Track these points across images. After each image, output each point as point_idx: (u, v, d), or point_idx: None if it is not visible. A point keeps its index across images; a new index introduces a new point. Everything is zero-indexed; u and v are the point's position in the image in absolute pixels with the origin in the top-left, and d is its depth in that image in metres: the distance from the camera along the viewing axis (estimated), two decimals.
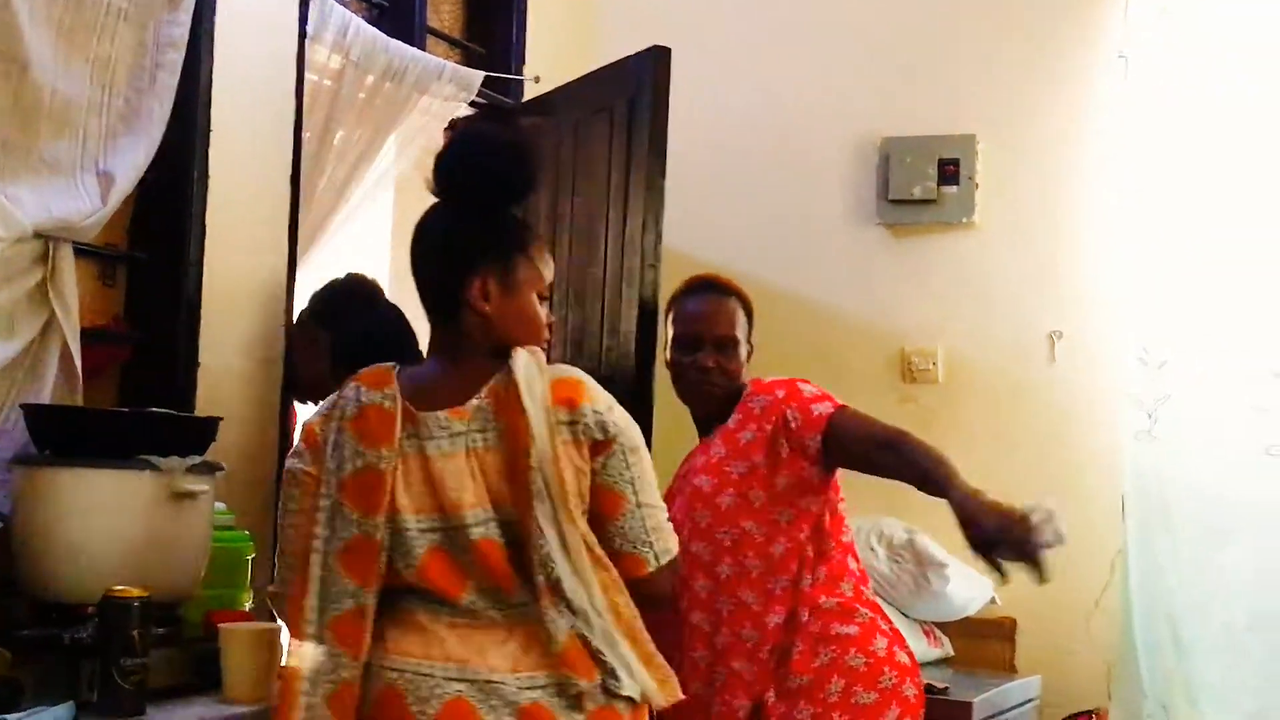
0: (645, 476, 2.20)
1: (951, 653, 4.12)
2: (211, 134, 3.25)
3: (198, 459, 2.65)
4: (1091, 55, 4.22)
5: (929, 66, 4.42)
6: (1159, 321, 3.98)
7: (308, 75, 3.56)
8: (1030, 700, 3.98)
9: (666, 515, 2.24)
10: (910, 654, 2.94)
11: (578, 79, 4.17)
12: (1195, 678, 3.79)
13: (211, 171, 3.25)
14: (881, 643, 2.89)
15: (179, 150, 3.19)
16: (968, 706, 3.55)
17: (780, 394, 2.99)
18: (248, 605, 2.96)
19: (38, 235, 2.83)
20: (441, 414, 2.16)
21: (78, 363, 2.92)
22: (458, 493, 2.11)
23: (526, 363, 2.17)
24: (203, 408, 3.19)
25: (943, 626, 4.14)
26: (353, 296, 3.19)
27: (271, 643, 2.56)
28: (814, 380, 4.42)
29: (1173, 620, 3.85)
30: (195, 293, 3.22)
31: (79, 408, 2.81)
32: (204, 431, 2.72)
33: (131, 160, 3.03)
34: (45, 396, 2.85)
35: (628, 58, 3.88)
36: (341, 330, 3.09)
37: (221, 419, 2.80)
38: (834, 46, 4.54)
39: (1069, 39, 4.26)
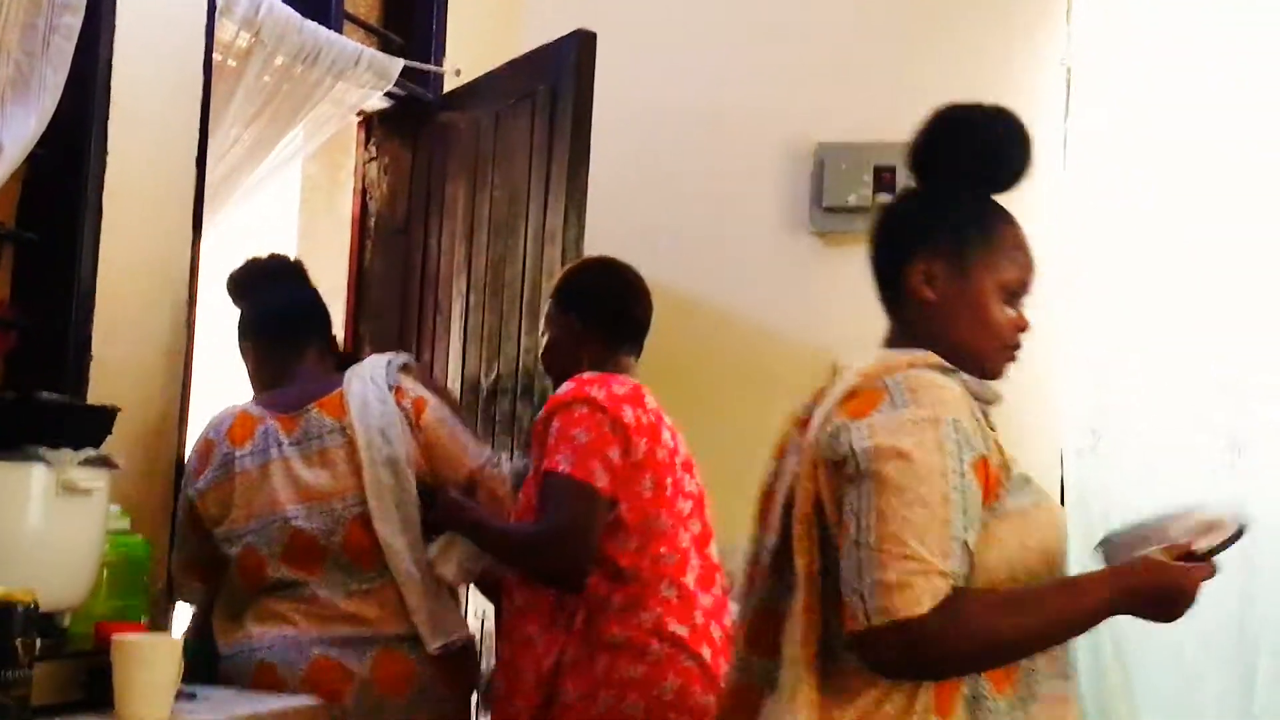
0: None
1: None
2: (111, 108, 2.99)
3: (92, 452, 2.40)
4: (1034, 63, 4.10)
5: (866, 71, 4.27)
6: (1102, 335, 3.86)
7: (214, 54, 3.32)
8: None
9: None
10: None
11: (500, 66, 3.98)
12: (1144, 700, 3.64)
13: (110, 148, 3.00)
14: (673, 683, 2.63)
15: (75, 123, 2.93)
16: None
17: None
18: (143, 618, 2.70)
19: None
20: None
21: None
22: None
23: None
24: (96, 400, 2.93)
25: None
26: (276, 274, 3.08)
27: (171, 657, 2.31)
28: (747, 391, 4.28)
29: (1116, 640, 3.71)
30: (89, 277, 2.96)
31: None
32: (99, 423, 2.47)
33: (21, 131, 2.76)
34: None
35: (551, 43, 3.71)
36: (256, 305, 3.00)
37: (119, 410, 2.54)
38: (769, 45, 4.37)
39: (1011, 47, 4.15)
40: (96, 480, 2.40)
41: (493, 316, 3.77)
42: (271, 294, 3.01)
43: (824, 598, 1.79)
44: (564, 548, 2.64)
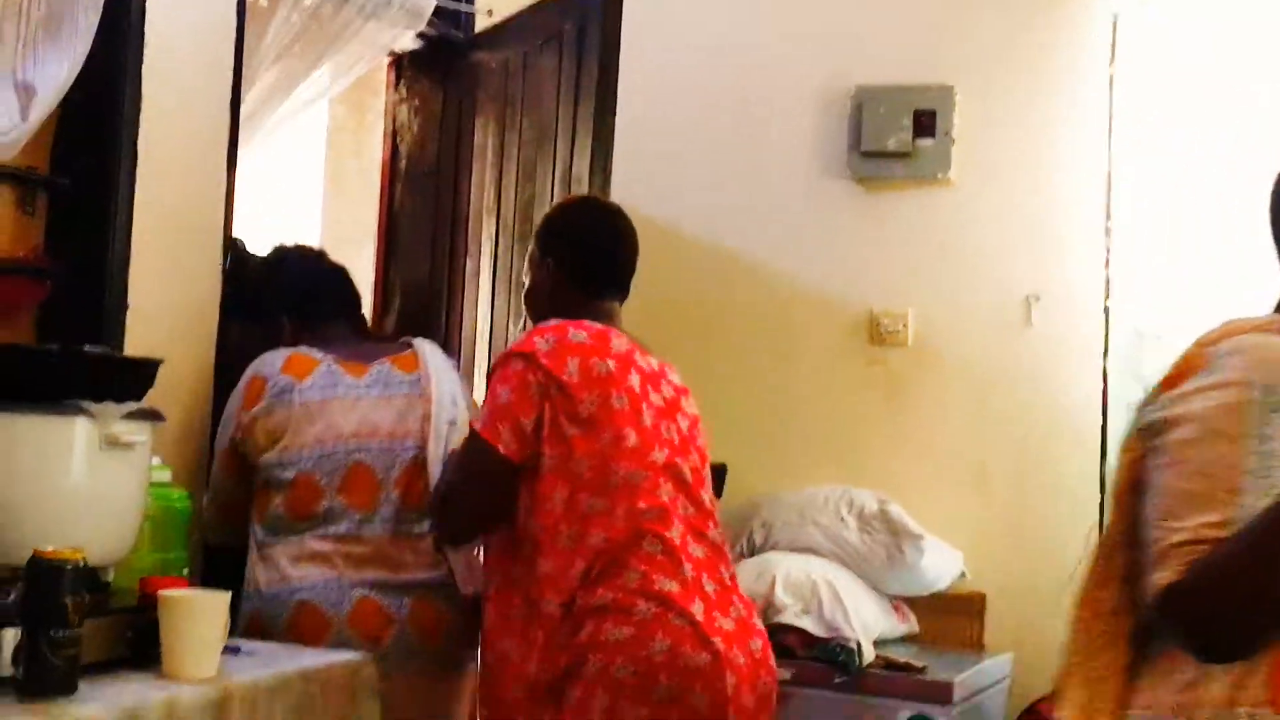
0: None
1: (917, 629, 3.91)
2: (145, 50, 2.92)
3: (135, 405, 2.36)
4: (1080, 7, 4.01)
5: (906, 12, 4.18)
6: (1153, 292, 3.78)
7: None
8: (1001, 680, 3.79)
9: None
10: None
11: (529, 5, 3.90)
12: None
13: (144, 91, 2.93)
14: (662, 642, 2.49)
15: (108, 66, 2.86)
16: (948, 687, 3.35)
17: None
18: (185, 570, 2.67)
19: None
20: None
21: None
22: None
23: None
24: (132, 351, 2.88)
25: (909, 602, 3.93)
26: (310, 254, 3.21)
27: (218, 612, 2.28)
28: (780, 341, 4.23)
29: None
30: (125, 224, 2.91)
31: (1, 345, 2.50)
32: (142, 375, 2.42)
33: (54, 75, 2.71)
34: None
35: None
36: (297, 282, 3.10)
37: (162, 361, 2.49)
38: None
39: None
40: (139, 433, 2.36)
41: (520, 262, 3.72)
42: (312, 272, 3.11)
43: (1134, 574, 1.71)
44: (445, 505, 2.66)
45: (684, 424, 2.73)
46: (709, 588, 2.57)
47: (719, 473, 3.80)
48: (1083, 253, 3.96)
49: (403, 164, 4.15)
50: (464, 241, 3.96)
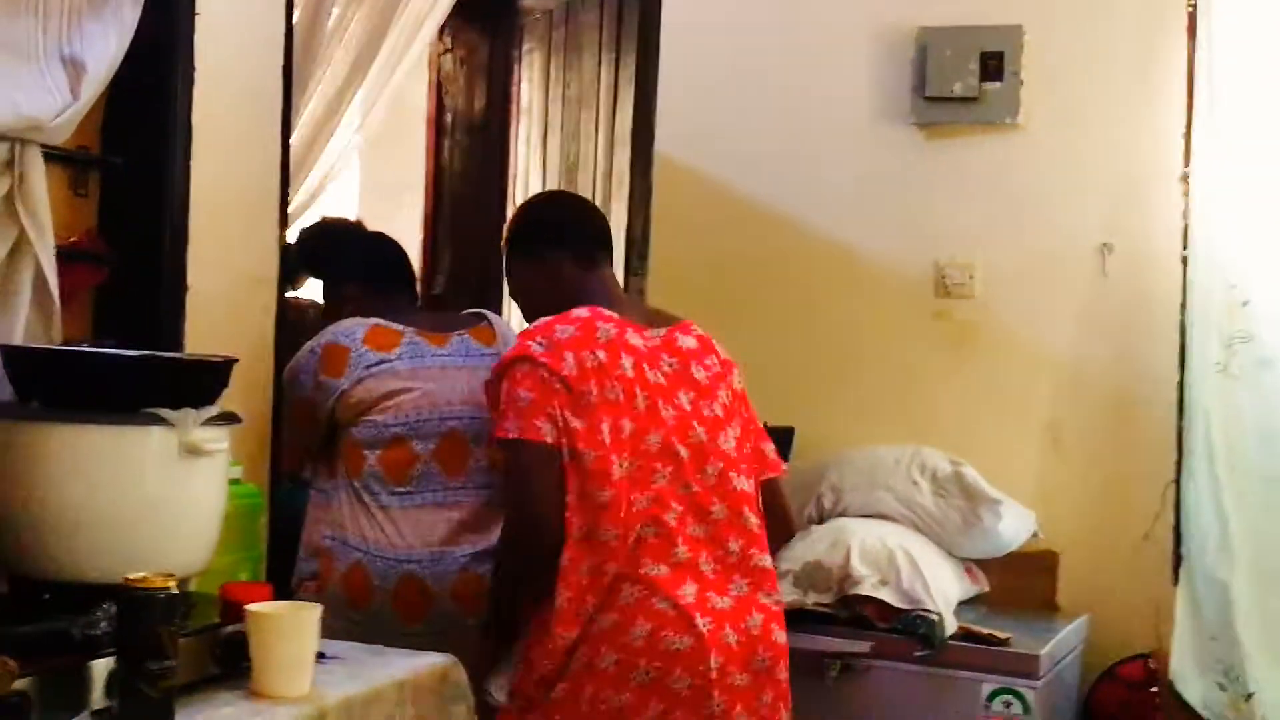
0: None
1: (987, 588, 3.81)
2: (197, 18, 2.77)
3: (212, 410, 2.23)
4: None
5: None
6: (1235, 245, 3.62)
7: None
8: (1078, 645, 3.69)
9: None
10: None
11: None
12: (1272, 610, 3.50)
13: (197, 63, 2.78)
14: (642, 628, 2.47)
15: (158, 37, 2.71)
16: (1033, 660, 3.26)
17: None
18: (259, 568, 2.58)
19: (2, 138, 2.37)
20: None
21: (54, 290, 2.47)
22: None
23: None
24: (193, 338, 2.77)
25: (979, 562, 3.83)
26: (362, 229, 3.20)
27: (311, 628, 2.17)
28: (841, 297, 4.10)
29: (1231, 552, 3.56)
30: (181, 204, 2.77)
31: (72, 351, 2.36)
32: (219, 376, 2.29)
33: (102, 48, 2.55)
34: (18, 331, 2.41)
35: None
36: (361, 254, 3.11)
37: (236, 360, 2.37)
38: None
39: None
40: (220, 440, 2.24)
41: None
42: (379, 244, 3.14)
43: None
44: (529, 529, 2.53)
45: (686, 398, 2.64)
46: (706, 567, 2.54)
47: (786, 435, 3.72)
48: (1159, 201, 3.82)
49: (449, 118, 3.99)
50: (514, 202, 3.82)
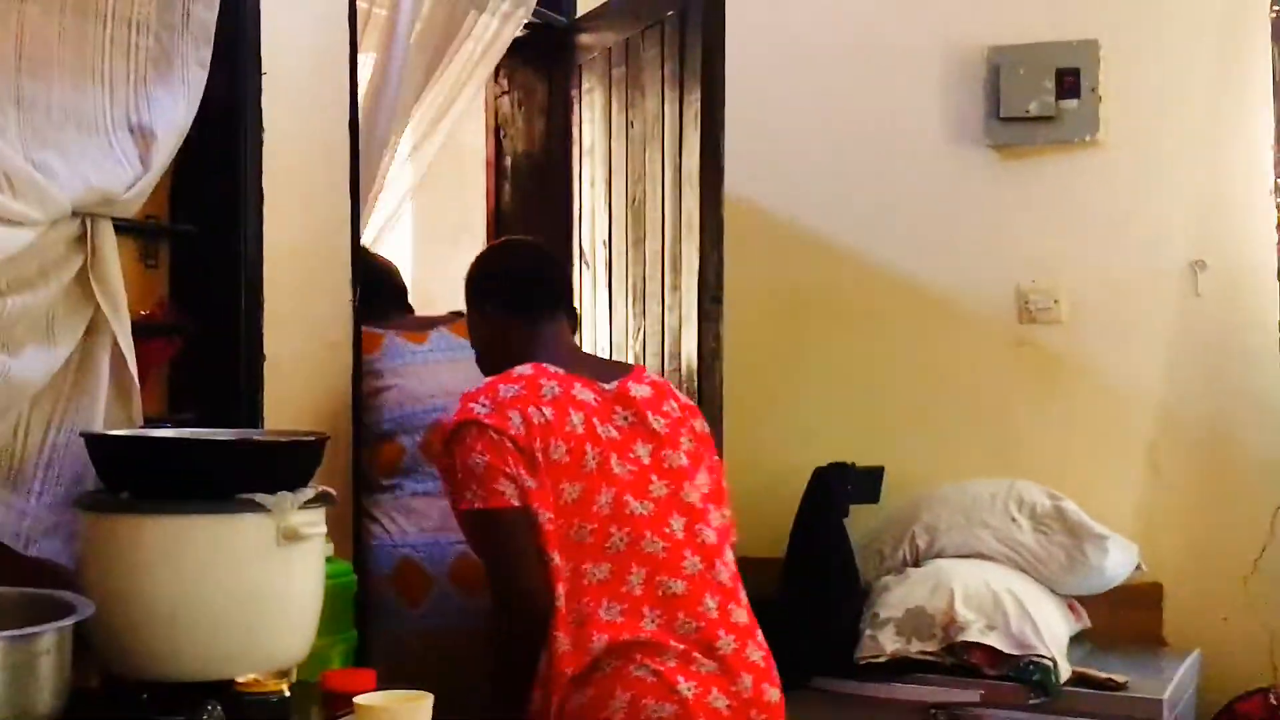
0: None
1: (1089, 624, 3.66)
2: (264, 78, 2.67)
3: (309, 492, 2.12)
4: None
5: None
6: None
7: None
8: (1192, 681, 3.54)
9: None
10: None
11: None
12: None
13: (265, 122, 2.67)
14: (621, 699, 2.33)
15: (223, 98, 2.60)
16: (1156, 705, 3.11)
17: None
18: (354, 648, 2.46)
19: (74, 214, 2.26)
20: None
21: (133, 368, 2.36)
22: None
23: None
24: (271, 408, 2.66)
25: (1081, 596, 3.68)
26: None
27: (424, 718, 2.05)
28: (921, 328, 3.95)
29: None
30: (256, 269, 2.66)
31: (163, 438, 2.26)
32: (312, 455, 2.18)
33: (172, 115, 2.44)
34: (98, 414, 2.29)
35: None
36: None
37: (328, 438, 2.26)
38: None
39: None
40: (318, 524, 2.14)
41: (636, 269, 3.45)
42: (372, 268, 3.08)
43: None
44: (513, 587, 2.38)
45: (644, 451, 2.50)
46: (684, 629, 2.38)
47: (875, 475, 3.58)
48: (1251, 215, 3.68)
49: (508, 161, 3.88)
50: (578, 246, 3.71)
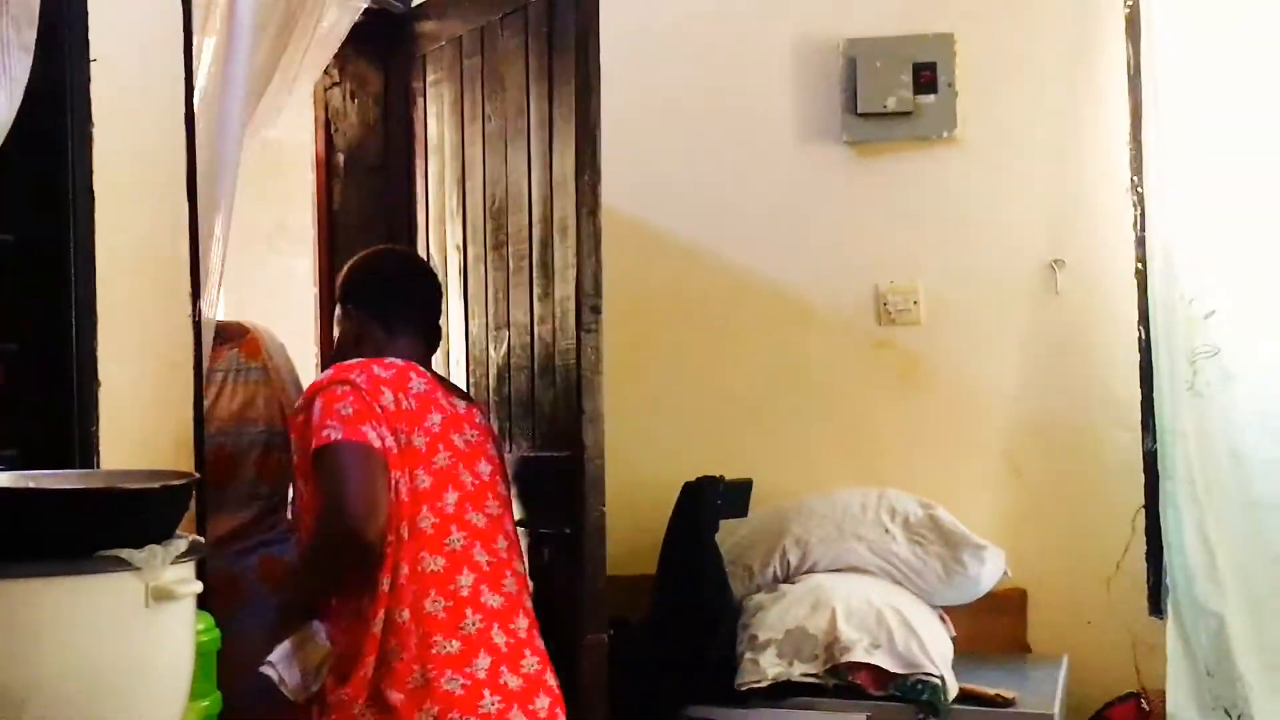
0: None
1: (954, 634, 3.56)
2: (92, 65, 2.35)
3: (181, 544, 1.83)
4: None
5: None
6: (1203, 263, 3.41)
7: None
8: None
9: None
10: None
11: None
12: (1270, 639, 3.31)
13: (95, 117, 2.36)
14: (429, 710, 2.46)
15: (45, 88, 2.27)
16: None
17: None
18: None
19: None
20: None
21: None
22: None
23: None
24: (107, 441, 2.35)
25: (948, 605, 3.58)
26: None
27: None
28: (779, 332, 3.81)
29: (1219, 583, 3.37)
30: (87, 282, 2.34)
31: (3, 490, 1.92)
32: (181, 501, 1.89)
33: None
34: None
35: None
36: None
37: (199, 478, 1.97)
38: None
39: None
40: (191, 581, 1.85)
41: (498, 275, 3.21)
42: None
43: None
44: (348, 513, 2.42)
45: (485, 470, 2.67)
46: (499, 640, 2.53)
47: (745, 488, 3.43)
48: (1110, 213, 3.64)
49: (340, 157, 3.59)
50: (425, 251, 3.44)
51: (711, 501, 3.31)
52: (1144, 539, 3.59)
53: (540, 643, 2.59)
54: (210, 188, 2.67)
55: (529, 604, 2.62)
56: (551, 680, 2.57)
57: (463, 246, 3.32)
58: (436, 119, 3.39)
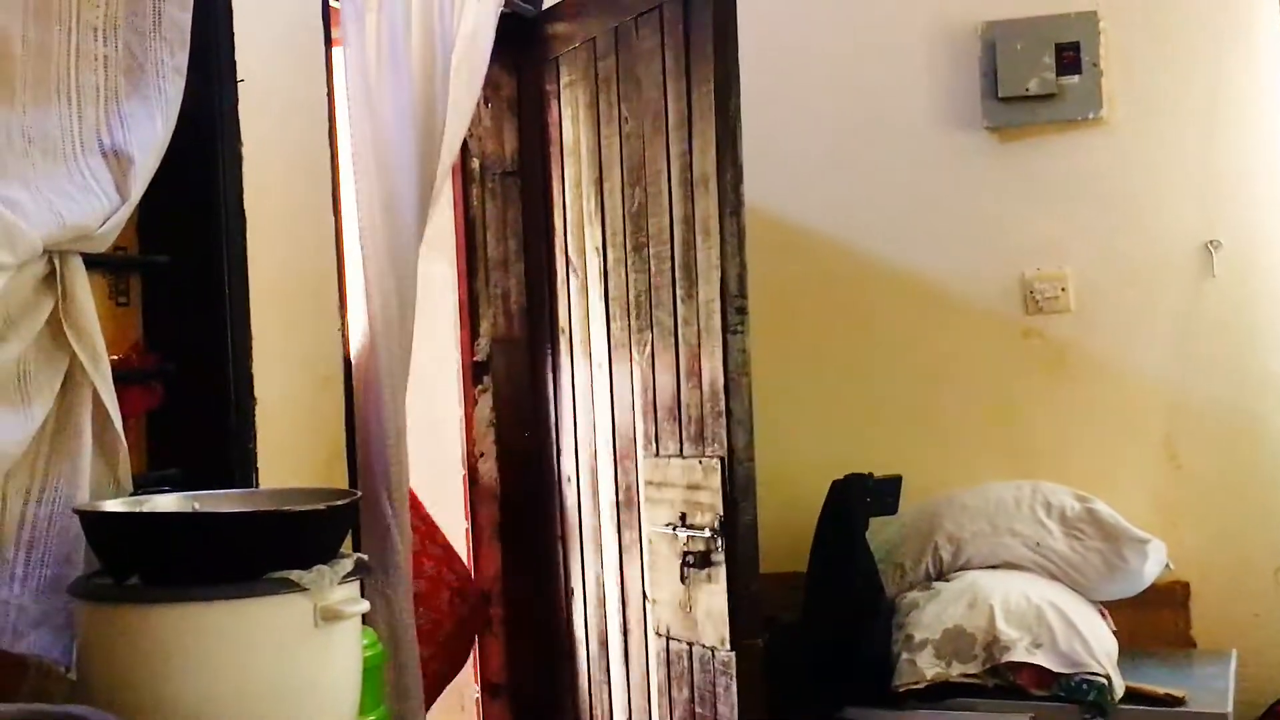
0: None
1: (1115, 629, 3.45)
2: (240, 85, 2.37)
3: (346, 564, 1.84)
4: None
5: None
6: None
7: None
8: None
9: None
10: None
11: None
12: None
13: (244, 134, 2.37)
14: None
15: (195, 109, 2.29)
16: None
17: None
18: None
19: (44, 251, 1.95)
20: None
21: (118, 424, 2.06)
22: None
23: None
24: (265, 457, 2.37)
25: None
26: None
27: None
28: (923, 324, 3.73)
29: None
30: (240, 301, 2.37)
31: (176, 515, 1.95)
32: (345, 520, 1.90)
33: (148, 132, 2.13)
34: (83, 481, 1.99)
35: None
36: None
37: (359, 495, 1.97)
38: None
39: None
40: (357, 600, 1.86)
41: (639, 277, 3.17)
42: None
43: None
44: None
45: None
46: None
47: (894, 485, 3.36)
48: (1267, 190, 3.51)
49: (475, 163, 3.58)
50: (564, 255, 3.43)
51: (861, 499, 3.26)
52: None
53: None
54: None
55: None
56: None
57: (602, 249, 3.30)
58: (571, 121, 3.38)
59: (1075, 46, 3.58)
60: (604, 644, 3.33)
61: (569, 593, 3.46)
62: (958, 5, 3.68)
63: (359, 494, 1.98)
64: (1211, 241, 3.54)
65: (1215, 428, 3.56)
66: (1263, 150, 3.51)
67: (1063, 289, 3.64)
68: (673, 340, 3.01)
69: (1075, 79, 3.59)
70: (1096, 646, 3.02)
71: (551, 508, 3.51)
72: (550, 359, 3.51)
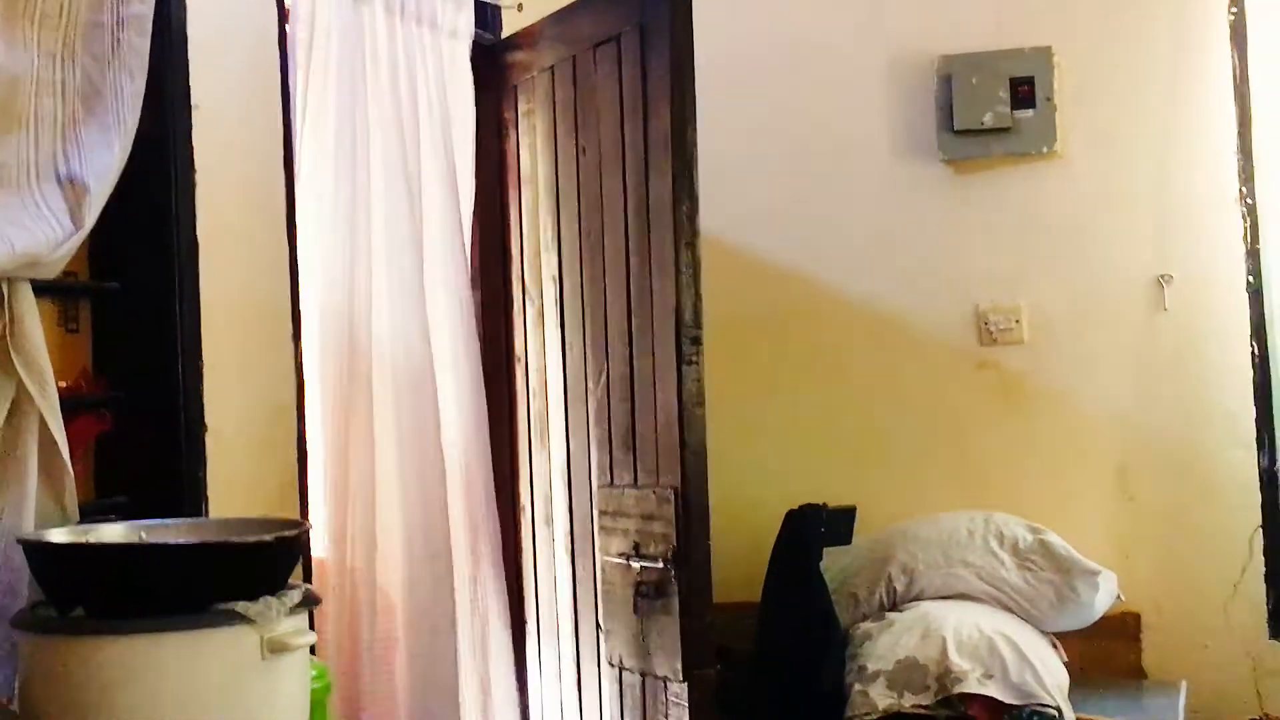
0: None
1: (1067, 659, 3.47)
2: (195, 112, 2.36)
3: (294, 595, 1.83)
4: None
5: None
6: None
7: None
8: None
9: None
10: None
11: (570, 3, 3.32)
12: None
13: (197, 162, 2.37)
14: None
15: (149, 136, 2.27)
16: None
17: None
18: None
19: None
20: None
21: (64, 452, 2.04)
22: None
23: None
24: (215, 487, 2.35)
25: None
26: None
27: None
28: (878, 355, 3.76)
29: None
30: (193, 329, 2.36)
31: (122, 545, 1.93)
32: (294, 551, 1.88)
33: (105, 160, 2.12)
34: (28, 510, 1.97)
35: None
36: None
37: (308, 526, 1.96)
38: None
39: None
40: (305, 632, 1.84)
41: (595, 306, 3.17)
42: None
43: None
44: None
45: None
46: None
47: (848, 515, 3.37)
48: (1217, 223, 3.54)
49: None
50: (521, 282, 3.42)
51: (815, 529, 3.26)
52: (1262, 560, 3.49)
53: None
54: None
55: None
56: None
57: (558, 277, 3.30)
58: (529, 149, 3.38)
59: (1030, 81, 3.61)
60: (557, 674, 3.32)
61: (522, 623, 3.44)
62: (914, 39, 3.71)
63: (309, 525, 1.97)
64: (1163, 275, 3.57)
65: (1167, 460, 3.59)
66: (1214, 186, 3.54)
67: (1016, 321, 3.67)
68: (628, 370, 3.01)
69: (1030, 113, 3.62)
70: (1048, 678, 3.03)
71: (506, 536, 3.50)
72: (506, 386, 3.50)
